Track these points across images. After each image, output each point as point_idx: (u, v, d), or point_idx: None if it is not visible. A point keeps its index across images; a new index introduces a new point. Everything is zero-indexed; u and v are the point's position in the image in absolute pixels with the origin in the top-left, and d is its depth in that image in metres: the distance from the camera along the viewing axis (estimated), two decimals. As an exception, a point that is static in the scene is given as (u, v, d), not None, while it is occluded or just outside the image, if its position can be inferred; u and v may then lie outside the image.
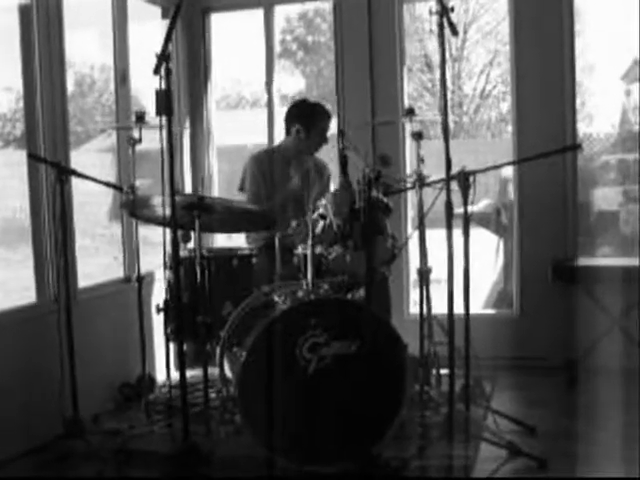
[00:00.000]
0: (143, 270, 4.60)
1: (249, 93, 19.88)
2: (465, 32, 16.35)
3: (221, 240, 5.89)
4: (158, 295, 4.77)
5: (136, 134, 4.27)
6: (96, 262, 8.47)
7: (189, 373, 5.02)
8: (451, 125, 11.06)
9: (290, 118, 4.87)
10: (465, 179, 4.02)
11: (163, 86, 3.33)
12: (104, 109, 14.10)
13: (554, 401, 4.73)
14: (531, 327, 5.32)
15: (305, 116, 4.80)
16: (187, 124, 5.80)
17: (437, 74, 17.65)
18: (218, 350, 3.97)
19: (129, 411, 4.49)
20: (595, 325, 5.03)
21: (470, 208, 3.98)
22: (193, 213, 3.82)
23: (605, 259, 5.69)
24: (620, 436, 4.10)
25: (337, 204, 3.90)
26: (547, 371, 5.20)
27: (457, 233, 3.83)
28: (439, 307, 4.42)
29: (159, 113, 3.36)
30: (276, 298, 3.81)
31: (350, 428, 3.58)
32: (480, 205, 8.11)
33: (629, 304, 4.97)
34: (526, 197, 5.40)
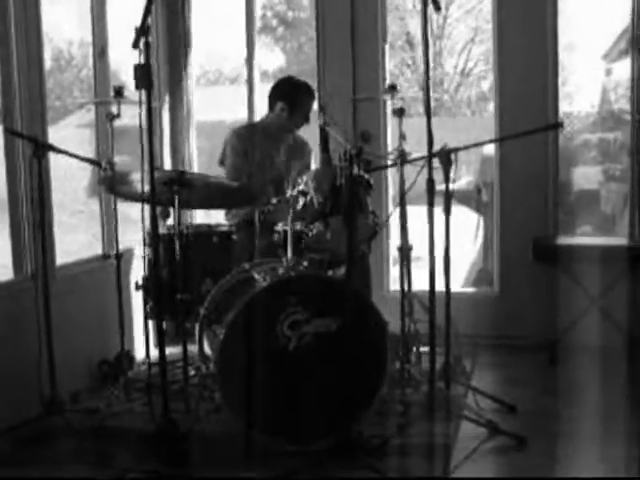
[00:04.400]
0: (122, 247, 4.56)
1: (229, 69, 19.72)
2: (447, 9, 16.26)
3: (200, 216, 5.85)
4: (137, 272, 4.73)
5: (115, 109, 4.20)
6: (75, 239, 8.38)
7: (168, 350, 5.00)
8: (432, 103, 10.99)
9: (274, 95, 4.83)
10: (447, 156, 4.00)
11: (142, 60, 3.27)
12: (82, 85, 13.90)
13: (534, 380, 4.75)
14: (511, 305, 5.33)
15: (290, 94, 4.77)
16: (166, 99, 5.74)
17: (418, 51, 17.58)
18: (197, 327, 3.94)
19: (108, 389, 4.43)
20: (575, 304, 5.02)
21: (451, 186, 3.95)
22: (173, 189, 3.77)
23: (585, 238, 5.70)
24: (599, 414, 4.12)
25: (318, 181, 3.87)
26: (527, 350, 5.22)
27: (438, 210, 3.81)
28: (419, 284, 4.42)
29: (138, 87, 3.31)
30: (256, 275, 3.78)
31: (330, 406, 3.56)
32: (460, 183, 8.11)
33: (608, 283, 4.97)
34: (507, 175, 5.39)
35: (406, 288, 4.50)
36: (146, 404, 4.04)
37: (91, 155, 5.02)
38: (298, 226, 3.84)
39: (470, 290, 6.37)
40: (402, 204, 4.30)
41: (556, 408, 4.26)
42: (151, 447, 3.53)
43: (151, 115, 3.33)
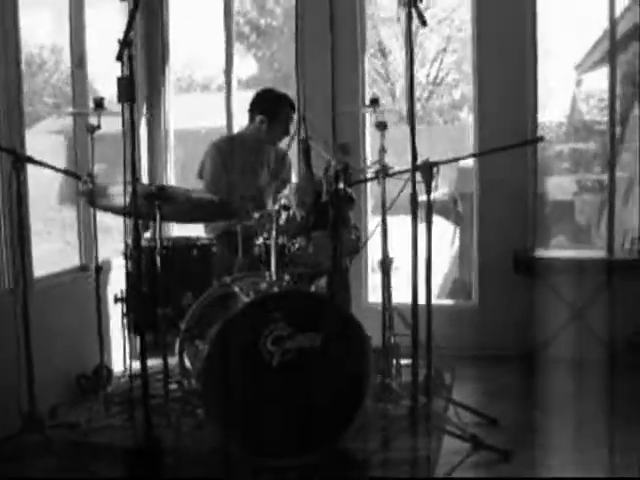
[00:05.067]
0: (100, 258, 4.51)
1: (201, 76, 19.64)
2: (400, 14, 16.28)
3: (177, 229, 5.81)
4: (115, 284, 4.67)
5: (94, 121, 4.15)
6: (48, 247, 8.29)
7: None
8: (404, 112, 11.01)
9: (254, 107, 4.82)
10: (429, 170, 4.00)
11: (126, 72, 3.23)
12: (54, 90, 13.80)
13: (514, 392, 4.76)
14: (490, 317, 5.34)
15: (269, 106, 4.76)
16: (144, 109, 5.69)
17: (390, 60, 17.62)
18: (178, 342, 3.90)
19: (87, 403, 4.38)
20: (554, 316, 5.05)
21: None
22: (154, 203, 3.73)
23: (564, 250, 5.71)
24: (579, 427, 4.13)
25: (300, 195, 3.86)
26: (506, 362, 5.22)
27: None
28: (398, 296, 4.47)
29: (121, 100, 3.27)
30: (238, 290, 3.75)
31: (314, 421, 3.55)
32: (436, 193, 8.12)
33: (587, 296, 4.99)
34: (486, 187, 5.41)
35: (386, 301, 4.47)
36: (127, 419, 4.00)
37: (63, 162, 4.97)
38: (280, 240, 3.81)
39: (449, 302, 6.38)
40: (384, 218, 4.28)
41: (537, 421, 4.26)
42: (133, 463, 3.48)
43: (134, 129, 3.29)
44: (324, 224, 3.84)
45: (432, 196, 4.06)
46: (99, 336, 4.32)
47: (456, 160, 4.15)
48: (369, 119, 5.49)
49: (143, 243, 4.08)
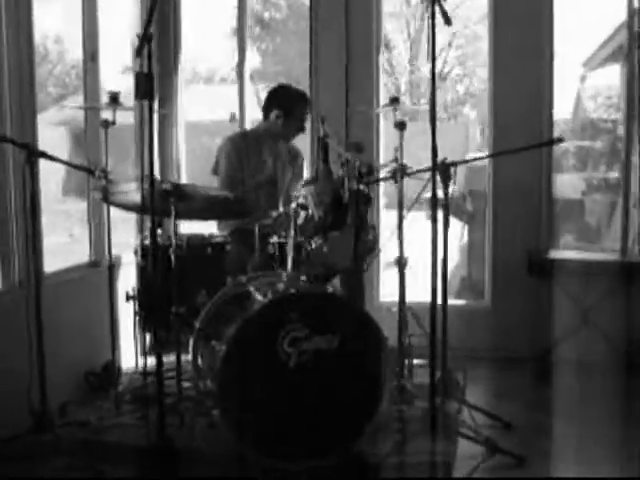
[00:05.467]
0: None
1: (204, 69, 19.62)
2: (424, 12, 16.27)
3: (186, 226, 5.75)
4: (124, 280, 4.63)
5: (109, 116, 4.09)
6: (53, 241, 8.23)
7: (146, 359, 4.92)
8: (410, 107, 11.00)
9: (270, 102, 4.77)
10: (446, 170, 3.96)
11: (144, 69, 3.18)
12: (58, 81, 13.75)
13: (526, 394, 4.72)
14: (502, 318, 5.29)
15: (285, 102, 4.72)
16: (156, 104, 5.62)
17: (395, 54, 17.57)
18: (192, 341, 3.85)
19: (97, 401, 4.35)
20: (566, 318, 5.01)
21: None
22: (169, 200, 3.69)
23: (578, 252, 5.65)
24: (593, 431, 4.10)
25: (319, 194, 3.79)
26: (518, 364, 5.18)
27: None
28: (410, 295, 4.46)
29: (139, 96, 3.22)
30: (254, 290, 3.71)
31: (329, 424, 3.51)
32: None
33: (600, 298, 4.94)
34: (499, 185, 5.36)
35: (399, 301, 4.42)
36: (140, 418, 3.96)
37: (69, 156, 4.91)
38: (296, 239, 3.76)
39: (461, 302, 6.33)
40: (401, 218, 4.23)
41: (550, 424, 4.22)
42: (146, 463, 3.45)
43: (152, 126, 3.24)
44: (342, 224, 3.79)
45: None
46: (111, 333, 4.25)
47: (475, 160, 4.10)
48: (382, 117, 5.44)
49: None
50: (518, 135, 5.11)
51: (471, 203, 7.29)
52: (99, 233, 4.82)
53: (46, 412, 3.72)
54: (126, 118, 4.82)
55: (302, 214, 3.72)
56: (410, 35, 17.25)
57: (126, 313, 4.33)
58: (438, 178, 3.86)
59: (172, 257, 3.79)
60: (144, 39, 3.14)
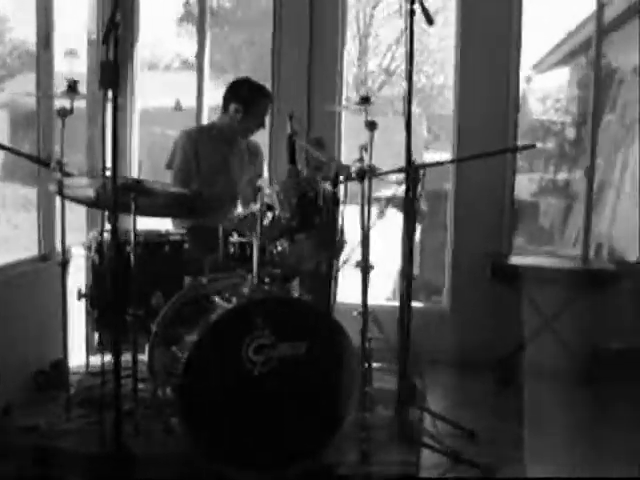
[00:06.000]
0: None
1: (148, 56, 19.23)
2: (373, 8, 16.23)
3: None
4: (74, 275, 4.40)
5: (67, 104, 3.86)
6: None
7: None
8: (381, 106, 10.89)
9: (229, 96, 4.59)
10: (415, 172, 3.86)
11: (110, 57, 2.99)
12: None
13: (487, 401, 4.63)
14: (461, 322, 5.21)
15: (245, 96, 4.54)
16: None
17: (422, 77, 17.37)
18: (148, 345, 3.68)
19: (44, 402, 4.14)
20: (526, 325, 4.96)
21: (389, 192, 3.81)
22: (130, 196, 3.51)
23: (542, 259, 5.61)
24: (556, 440, 4.05)
25: (285, 194, 3.64)
26: (477, 369, 5.08)
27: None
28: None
29: (104, 85, 3.04)
30: (216, 295, 3.56)
31: (297, 432, 3.38)
32: (397, 190, 8.00)
33: (561, 305, 4.90)
34: (462, 187, 5.28)
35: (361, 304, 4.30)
36: (93, 422, 3.76)
37: (9, 141, 4.65)
38: (261, 240, 3.59)
39: (418, 304, 6.24)
40: (367, 222, 4.11)
41: (514, 432, 4.12)
42: (101, 471, 3.28)
43: (116, 118, 3.06)
44: (309, 226, 3.65)
45: (395, 193, 3.96)
46: (63, 331, 4.01)
47: (447, 163, 4.00)
48: (344, 115, 5.33)
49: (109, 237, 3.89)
50: (482, 136, 5.05)
51: (425, 203, 7.21)
52: (48, 225, 4.61)
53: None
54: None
55: (269, 215, 3.56)
56: (360, 29, 17.11)
57: (76, 310, 4.14)
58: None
59: (131, 255, 3.60)
60: (110, 26, 2.97)
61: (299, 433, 3.37)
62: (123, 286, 3.64)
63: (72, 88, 3.80)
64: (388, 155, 4.65)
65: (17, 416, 3.97)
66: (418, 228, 7.65)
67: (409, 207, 3.62)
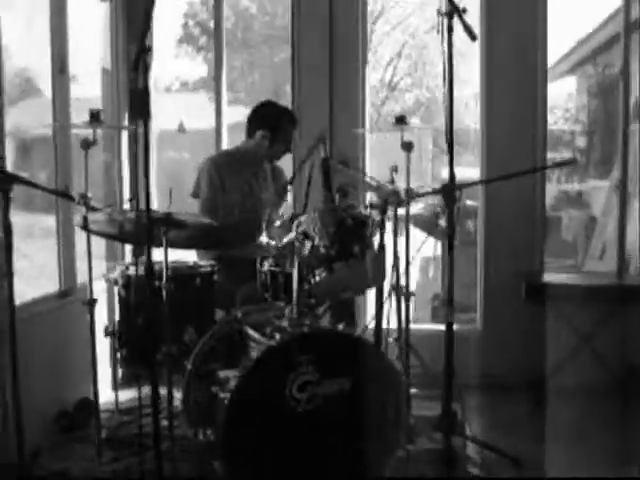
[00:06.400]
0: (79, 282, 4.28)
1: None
2: (374, 23, 16.14)
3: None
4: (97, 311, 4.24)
5: (90, 135, 3.70)
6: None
7: (125, 395, 4.57)
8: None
9: (255, 121, 4.44)
10: (451, 193, 3.70)
11: (140, 85, 2.84)
12: None
13: (525, 425, 4.47)
14: (494, 343, 5.05)
15: (272, 121, 4.40)
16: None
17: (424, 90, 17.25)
18: (184, 384, 3.52)
19: (72, 445, 3.97)
20: (562, 343, 4.81)
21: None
22: (161, 230, 3.35)
23: (575, 276, 5.46)
24: (602, 462, 3.93)
25: (323, 223, 3.48)
26: (511, 391, 4.95)
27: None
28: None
29: (135, 116, 2.88)
30: (250, 328, 3.41)
31: (342, 472, 3.21)
32: (418, 207, 7.87)
33: (597, 323, 4.75)
34: (491, 203, 5.13)
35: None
36: (126, 466, 3.59)
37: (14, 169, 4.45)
38: (300, 271, 3.44)
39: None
40: (407, 245, 3.97)
41: (559, 458, 3.98)
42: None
43: (148, 152, 2.90)
44: (347, 255, 3.49)
45: (418, 210, 3.82)
46: (93, 370, 3.85)
47: (481, 183, 3.84)
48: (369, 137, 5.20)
49: (135, 272, 3.74)
50: (511, 149, 4.94)
51: (445, 219, 7.05)
52: (68, 259, 4.47)
53: (25, 466, 3.34)
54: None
55: (308, 245, 3.40)
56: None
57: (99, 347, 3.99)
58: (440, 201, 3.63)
59: (164, 291, 3.43)
60: (141, 52, 2.81)
61: (344, 472, 3.21)
62: (156, 323, 3.50)
63: (95, 117, 3.65)
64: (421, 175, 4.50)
65: (45, 460, 3.79)
66: (438, 245, 7.52)
67: (451, 230, 3.46)
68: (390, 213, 3.80)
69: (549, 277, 5.00)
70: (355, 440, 3.21)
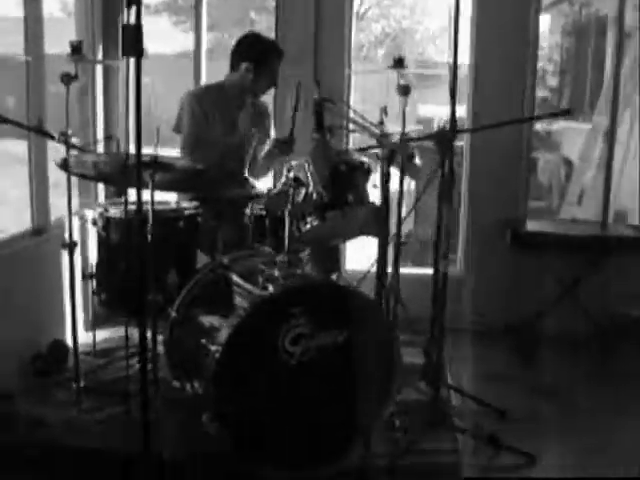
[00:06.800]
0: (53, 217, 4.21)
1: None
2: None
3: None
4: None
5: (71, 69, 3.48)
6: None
7: (101, 335, 4.46)
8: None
9: (238, 53, 4.25)
10: (447, 139, 3.57)
11: (133, 20, 2.63)
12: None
13: (510, 374, 4.44)
14: (477, 289, 4.97)
15: (257, 53, 4.20)
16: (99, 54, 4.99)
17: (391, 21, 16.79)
18: (166, 330, 3.41)
19: (49, 389, 3.84)
20: (546, 291, 4.78)
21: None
22: (148, 173, 3.18)
23: (561, 225, 5.41)
24: (586, 414, 3.92)
25: (315, 168, 3.35)
26: (493, 338, 4.91)
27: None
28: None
29: (127, 53, 2.66)
30: (238, 278, 3.32)
31: (337, 426, 3.15)
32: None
33: (581, 272, 4.72)
34: (476, 147, 5.01)
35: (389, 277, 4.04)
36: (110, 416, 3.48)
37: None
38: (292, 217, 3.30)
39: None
40: (400, 193, 3.86)
41: (544, 410, 3.96)
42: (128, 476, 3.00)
43: (140, 91, 2.70)
44: (341, 202, 3.37)
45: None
46: (72, 315, 3.67)
47: (479, 130, 3.72)
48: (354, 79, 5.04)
49: (117, 213, 3.59)
50: (500, 88, 4.84)
51: (420, 158, 6.94)
52: (41, 193, 4.29)
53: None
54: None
55: (302, 192, 3.26)
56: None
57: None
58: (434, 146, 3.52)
59: (149, 235, 3.27)
60: (134, -14, 2.60)
61: (338, 425, 3.14)
62: (140, 267, 3.34)
63: (77, 50, 3.43)
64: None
65: (22, 405, 3.65)
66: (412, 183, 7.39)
67: (449, 178, 3.35)
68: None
69: (533, 225, 4.93)
70: (348, 393, 3.14)
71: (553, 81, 10.31)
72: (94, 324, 4.10)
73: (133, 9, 2.63)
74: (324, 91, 3.60)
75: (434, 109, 8.74)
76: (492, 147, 4.83)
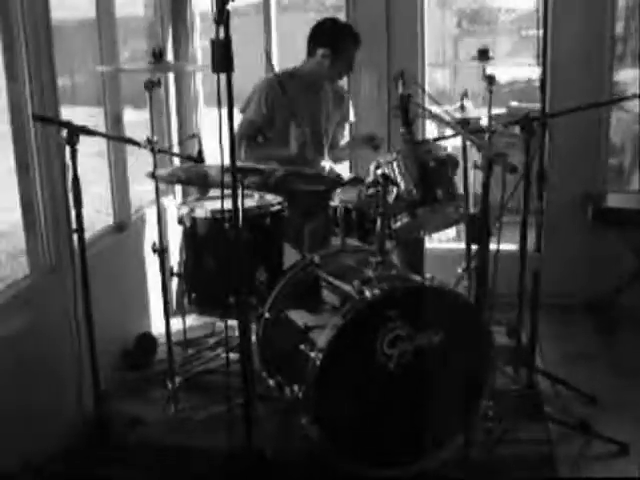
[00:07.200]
0: (133, 211, 4.34)
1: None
2: None
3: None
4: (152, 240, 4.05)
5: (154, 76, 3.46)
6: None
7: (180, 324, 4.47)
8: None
9: (315, 39, 4.23)
10: (530, 125, 3.49)
11: (222, 35, 2.61)
12: None
13: (590, 353, 4.38)
14: (554, 264, 4.89)
15: (334, 39, 4.18)
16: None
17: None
18: (259, 331, 3.45)
19: (140, 386, 3.93)
20: (625, 268, 4.70)
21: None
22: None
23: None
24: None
25: (405, 164, 3.32)
26: (572, 313, 4.85)
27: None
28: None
29: (217, 69, 2.64)
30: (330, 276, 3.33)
31: (432, 424, 3.15)
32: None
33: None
34: (558, 129, 4.88)
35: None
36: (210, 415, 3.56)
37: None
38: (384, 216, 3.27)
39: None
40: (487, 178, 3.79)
41: (629, 393, 3.91)
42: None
43: (232, 104, 2.69)
44: (432, 199, 3.34)
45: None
46: (165, 314, 3.70)
47: (567, 113, 3.62)
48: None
49: (202, 213, 3.59)
50: (578, 59, 4.73)
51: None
52: (122, 188, 4.34)
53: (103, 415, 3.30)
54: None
55: (394, 191, 3.23)
56: None
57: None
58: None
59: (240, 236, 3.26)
60: (223, 1, 2.58)
61: (435, 424, 3.15)
62: (231, 268, 3.35)
63: (158, 57, 3.41)
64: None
65: (117, 404, 3.72)
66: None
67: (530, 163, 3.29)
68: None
69: (613, 200, 4.84)
70: (444, 392, 3.14)
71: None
72: (183, 314, 4.07)
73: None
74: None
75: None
76: (571, 123, 4.72)
